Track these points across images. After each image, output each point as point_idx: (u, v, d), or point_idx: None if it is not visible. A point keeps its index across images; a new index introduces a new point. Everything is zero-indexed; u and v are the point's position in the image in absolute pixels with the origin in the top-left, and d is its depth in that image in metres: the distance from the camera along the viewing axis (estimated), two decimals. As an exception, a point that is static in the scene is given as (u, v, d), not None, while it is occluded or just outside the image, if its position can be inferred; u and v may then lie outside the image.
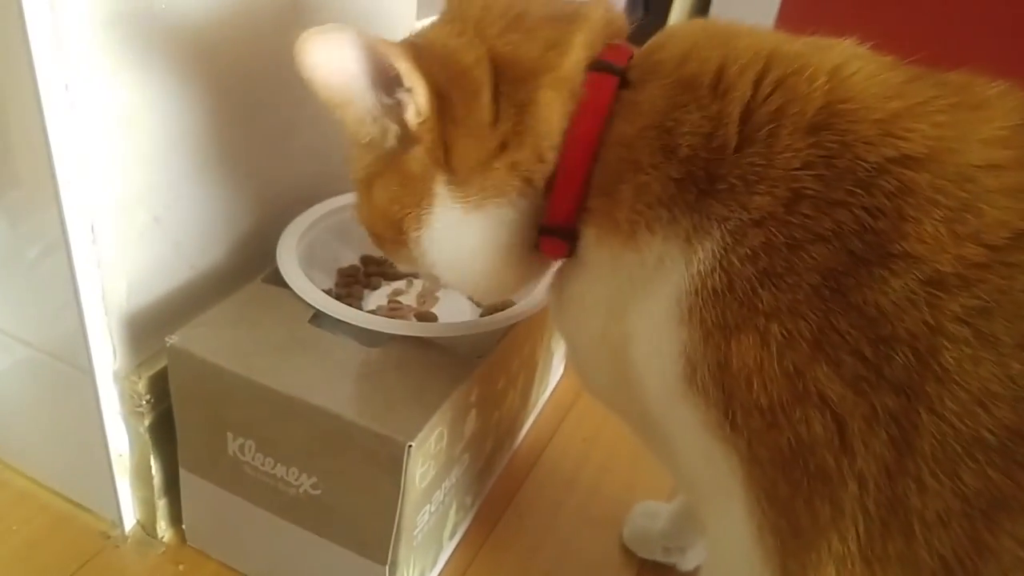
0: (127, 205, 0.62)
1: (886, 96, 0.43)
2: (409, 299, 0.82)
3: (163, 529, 0.74)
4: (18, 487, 0.77)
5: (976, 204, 0.39)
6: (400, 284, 0.84)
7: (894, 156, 0.40)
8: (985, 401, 0.37)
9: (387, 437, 0.56)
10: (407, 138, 0.51)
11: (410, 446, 0.56)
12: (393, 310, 0.80)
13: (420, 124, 0.50)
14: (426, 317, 0.80)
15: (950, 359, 0.38)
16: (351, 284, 0.82)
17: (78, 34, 0.53)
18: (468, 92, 0.49)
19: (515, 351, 0.75)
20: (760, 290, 0.42)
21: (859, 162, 0.41)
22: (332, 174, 0.82)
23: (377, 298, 0.82)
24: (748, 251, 0.42)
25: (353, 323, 0.65)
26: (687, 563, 0.77)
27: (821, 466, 0.40)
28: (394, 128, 0.52)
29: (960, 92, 0.43)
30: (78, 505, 0.76)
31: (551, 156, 0.50)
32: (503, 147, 0.50)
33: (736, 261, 0.43)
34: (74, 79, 0.53)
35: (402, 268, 0.65)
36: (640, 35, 0.54)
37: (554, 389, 0.99)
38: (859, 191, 0.40)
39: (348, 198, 0.81)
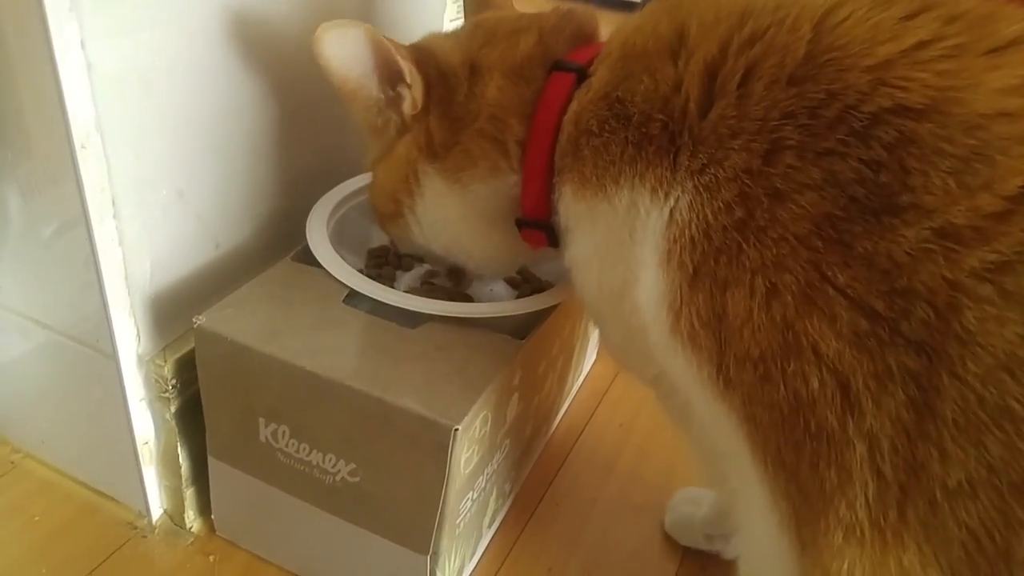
0: (149, 177, 0.58)
1: (878, 40, 0.40)
2: (444, 281, 0.79)
3: (191, 519, 0.71)
4: (41, 476, 0.74)
5: (987, 153, 0.37)
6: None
7: (889, 106, 0.39)
8: (1012, 367, 0.35)
9: (432, 421, 0.53)
10: (402, 127, 0.60)
11: (456, 430, 0.52)
12: (427, 292, 0.76)
13: (413, 116, 0.58)
14: (461, 298, 0.76)
15: (972, 319, 0.35)
16: (382, 265, 0.79)
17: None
18: (450, 88, 0.57)
19: (556, 333, 0.72)
20: (742, 242, 0.41)
21: (850, 112, 0.39)
22: (359, 151, 0.79)
23: (410, 279, 0.78)
24: (722, 204, 0.42)
25: (392, 304, 0.62)
26: (731, 551, 0.74)
27: (823, 426, 0.39)
28: (394, 118, 0.60)
29: (972, 30, 0.40)
30: (103, 495, 0.73)
31: (512, 123, 0.55)
32: (469, 123, 0.56)
33: (710, 214, 0.43)
34: (91, 35, 0.49)
35: (403, 247, 0.71)
36: None
37: (588, 374, 0.96)
38: (853, 141, 0.39)
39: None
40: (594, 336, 0.93)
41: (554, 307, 0.67)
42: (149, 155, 0.58)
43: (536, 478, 0.81)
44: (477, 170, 0.56)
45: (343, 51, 0.56)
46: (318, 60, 0.56)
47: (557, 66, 0.55)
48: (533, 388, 0.70)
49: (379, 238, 0.81)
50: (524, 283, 0.79)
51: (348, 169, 0.77)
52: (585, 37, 0.58)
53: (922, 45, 0.40)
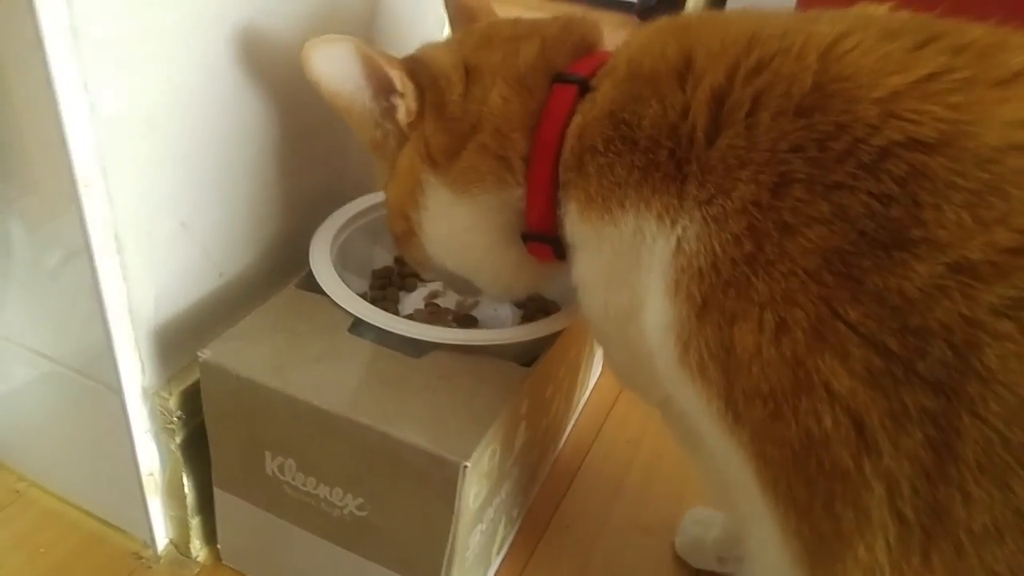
0: (152, 211, 0.58)
1: (887, 71, 0.40)
2: (447, 301, 0.78)
3: (197, 548, 0.71)
4: (46, 506, 0.74)
5: (1001, 187, 0.36)
6: (436, 285, 0.80)
7: (900, 140, 0.38)
8: None
9: (440, 457, 0.52)
10: (400, 137, 0.59)
11: (465, 467, 0.52)
12: (431, 314, 0.76)
13: (408, 124, 0.58)
14: (466, 320, 0.75)
15: (993, 357, 0.35)
16: (385, 286, 0.78)
17: (96, 26, 0.48)
18: (444, 90, 0.55)
19: (562, 356, 0.71)
20: (750, 276, 0.41)
21: (860, 144, 0.39)
22: (363, 172, 0.79)
23: (414, 300, 0.78)
24: (731, 236, 0.42)
25: (398, 333, 0.61)
26: (743, 574, 0.74)
27: (837, 465, 0.38)
28: (391, 129, 0.59)
29: (980, 61, 0.39)
30: (109, 524, 0.73)
31: (516, 138, 0.53)
32: (470, 134, 0.55)
33: (718, 246, 0.42)
34: (93, 76, 0.49)
35: (423, 271, 0.68)
36: (653, 18, 0.55)
37: (593, 388, 0.96)
38: (862, 174, 0.38)
39: (379, 196, 0.77)
40: (599, 351, 0.92)
41: (561, 330, 0.66)
42: (152, 189, 0.57)
43: (543, 500, 0.80)
44: (484, 183, 0.56)
45: (332, 67, 0.56)
46: (308, 77, 0.56)
47: (560, 78, 0.54)
48: (540, 413, 0.69)
49: (382, 259, 0.81)
50: (529, 302, 0.79)
51: (349, 191, 0.77)
52: (587, 47, 0.57)
53: (931, 77, 0.39)
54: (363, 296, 0.67)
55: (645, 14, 2.22)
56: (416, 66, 0.57)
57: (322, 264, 0.67)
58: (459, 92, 0.55)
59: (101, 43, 0.49)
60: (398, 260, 0.81)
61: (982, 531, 0.35)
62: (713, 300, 0.42)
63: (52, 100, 0.47)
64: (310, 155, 0.73)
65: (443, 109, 0.55)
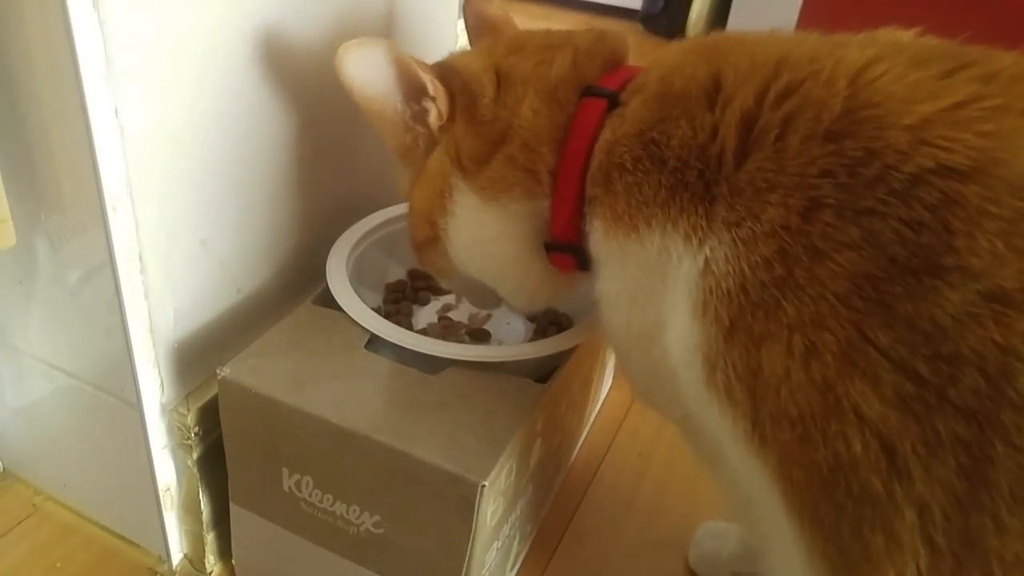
0: (174, 229, 0.58)
1: (917, 99, 0.40)
2: (460, 315, 0.78)
3: (212, 563, 0.71)
4: (62, 520, 0.74)
5: None
6: (449, 299, 0.80)
7: (932, 167, 0.38)
8: None
9: (458, 476, 0.52)
10: (431, 141, 0.59)
11: (483, 486, 0.52)
12: (445, 327, 0.76)
13: (439, 127, 0.58)
14: (479, 334, 0.76)
15: None
16: (399, 300, 0.78)
17: (128, 55, 0.49)
18: (475, 94, 0.56)
19: (577, 371, 0.72)
20: (780, 299, 0.41)
21: (890, 171, 0.39)
22: (376, 187, 0.79)
23: (427, 314, 0.78)
24: (760, 259, 0.42)
25: (415, 350, 0.61)
26: (759, 590, 0.74)
27: (867, 489, 0.38)
28: (422, 133, 0.59)
29: (1009, 89, 0.39)
30: (124, 539, 0.73)
31: (544, 152, 0.54)
32: (499, 143, 0.55)
33: (747, 268, 0.42)
34: (124, 101, 0.50)
35: (440, 278, 0.68)
36: (658, 27, 0.57)
37: (603, 402, 0.96)
38: (893, 200, 0.38)
39: (393, 211, 0.78)
40: (610, 363, 0.92)
41: (576, 346, 0.66)
42: (175, 208, 0.58)
43: (556, 514, 0.80)
44: (512, 193, 0.56)
45: (365, 70, 0.56)
46: (341, 80, 0.55)
47: (589, 91, 0.54)
48: (555, 429, 0.69)
49: (396, 273, 0.81)
50: (541, 315, 0.79)
51: (364, 206, 0.77)
52: (616, 61, 0.57)
53: (962, 105, 0.39)
54: (377, 310, 0.67)
55: (648, 22, 2.24)
56: (447, 71, 0.57)
57: (339, 280, 0.67)
58: (491, 96, 0.55)
59: (132, 70, 0.50)
60: (412, 274, 0.81)
61: (1014, 559, 0.35)
62: (741, 322, 0.42)
63: (86, 126, 0.48)
64: (326, 172, 0.73)
65: (474, 112, 0.56)
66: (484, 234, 0.59)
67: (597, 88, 0.54)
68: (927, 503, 0.37)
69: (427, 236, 0.61)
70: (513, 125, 0.54)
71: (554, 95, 0.54)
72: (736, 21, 1.43)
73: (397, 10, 0.75)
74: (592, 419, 0.92)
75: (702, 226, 0.45)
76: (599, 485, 0.85)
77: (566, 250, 0.56)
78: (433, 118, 0.57)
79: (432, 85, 0.56)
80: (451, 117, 0.57)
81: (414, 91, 0.57)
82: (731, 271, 0.43)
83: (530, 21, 0.67)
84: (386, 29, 0.75)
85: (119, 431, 0.64)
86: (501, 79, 0.56)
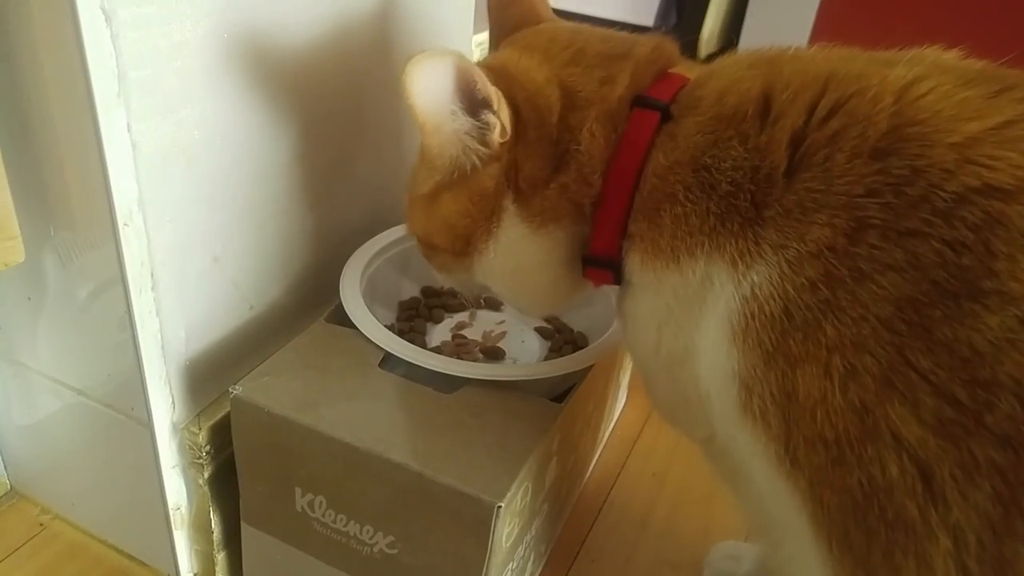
0: (185, 247, 0.58)
1: (963, 117, 0.39)
2: (474, 333, 0.78)
3: (222, 583, 0.70)
4: (71, 539, 0.74)
5: None
6: (463, 316, 0.80)
7: (976, 186, 0.37)
8: None
9: (474, 498, 0.52)
10: (487, 157, 0.54)
11: (499, 507, 0.51)
12: (459, 346, 0.75)
13: (501, 144, 0.53)
14: (494, 352, 0.75)
15: None
16: (412, 317, 0.78)
17: (141, 71, 0.49)
18: (541, 110, 0.52)
19: (591, 391, 0.71)
20: (822, 321, 0.40)
21: (935, 190, 0.38)
22: (390, 205, 0.79)
23: (441, 332, 0.77)
24: (806, 281, 0.41)
25: (430, 368, 0.60)
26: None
27: (901, 514, 0.38)
28: (477, 148, 0.54)
29: None
30: (133, 558, 0.72)
31: (595, 182, 0.52)
32: (557, 169, 0.52)
33: (793, 290, 0.41)
34: (137, 117, 0.49)
35: (442, 279, 0.65)
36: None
37: (617, 421, 0.95)
38: (937, 220, 0.38)
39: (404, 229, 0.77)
40: (624, 381, 0.91)
41: (592, 365, 0.65)
42: (187, 225, 0.57)
43: (570, 534, 0.79)
44: (561, 223, 0.54)
45: (435, 83, 0.50)
46: (407, 96, 0.49)
47: (640, 101, 0.51)
48: (570, 448, 0.68)
49: (409, 290, 0.81)
50: (556, 333, 0.78)
51: (376, 224, 0.77)
52: (666, 61, 0.55)
53: (1008, 124, 0.39)
54: (390, 328, 0.67)
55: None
56: (507, 81, 0.53)
57: (353, 298, 0.67)
58: (557, 115, 0.52)
59: (144, 86, 0.49)
60: (425, 292, 0.81)
61: None
62: (781, 346, 0.42)
63: (97, 141, 0.48)
64: (339, 189, 0.73)
65: (540, 130, 0.53)
66: (525, 262, 0.56)
67: (649, 99, 0.51)
68: (962, 529, 0.36)
69: (454, 249, 0.57)
70: (571, 150, 0.52)
71: (612, 117, 0.52)
72: (749, 38, 1.43)
73: (415, 23, 0.75)
74: (606, 438, 0.91)
75: (751, 250, 0.44)
76: (612, 505, 0.84)
77: (607, 266, 0.54)
78: (497, 134, 0.52)
79: (497, 99, 0.51)
80: (514, 134, 0.53)
81: (475, 104, 0.52)
82: (775, 294, 0.42)
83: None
84: (407, 44, 0.75)
85: (129, 449, 0.64)
86: (563, 95, 0.53)
